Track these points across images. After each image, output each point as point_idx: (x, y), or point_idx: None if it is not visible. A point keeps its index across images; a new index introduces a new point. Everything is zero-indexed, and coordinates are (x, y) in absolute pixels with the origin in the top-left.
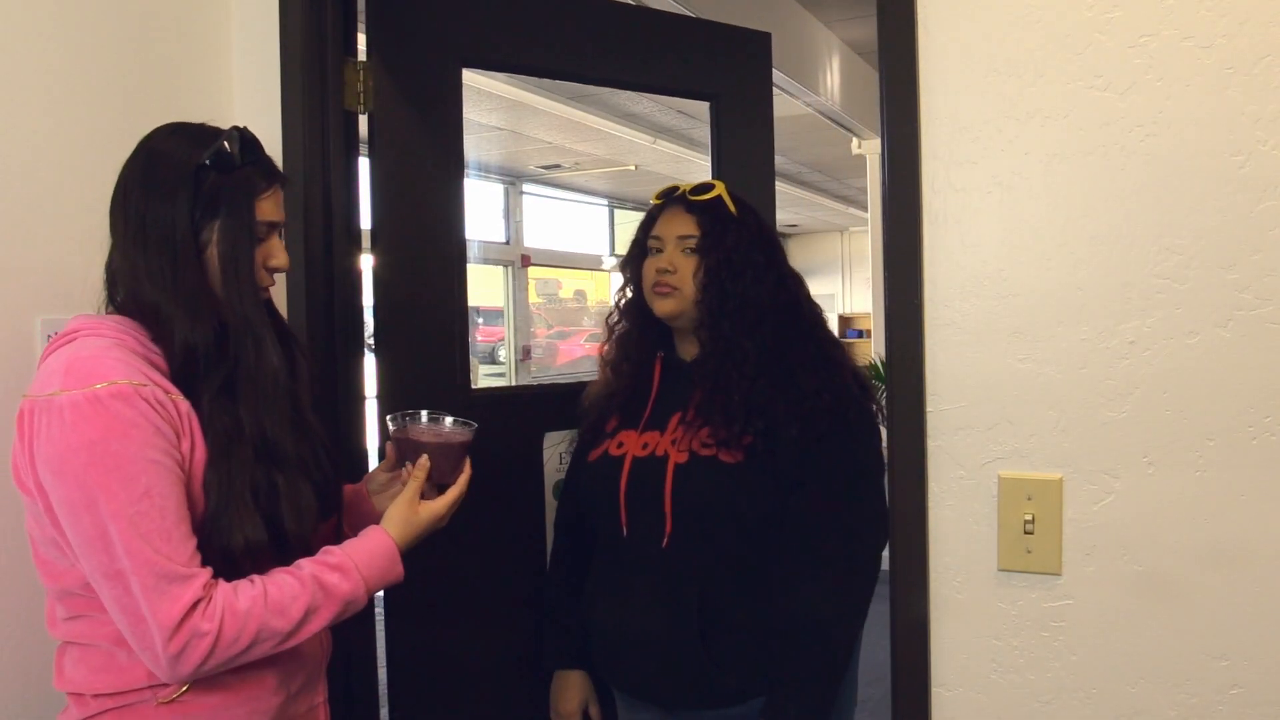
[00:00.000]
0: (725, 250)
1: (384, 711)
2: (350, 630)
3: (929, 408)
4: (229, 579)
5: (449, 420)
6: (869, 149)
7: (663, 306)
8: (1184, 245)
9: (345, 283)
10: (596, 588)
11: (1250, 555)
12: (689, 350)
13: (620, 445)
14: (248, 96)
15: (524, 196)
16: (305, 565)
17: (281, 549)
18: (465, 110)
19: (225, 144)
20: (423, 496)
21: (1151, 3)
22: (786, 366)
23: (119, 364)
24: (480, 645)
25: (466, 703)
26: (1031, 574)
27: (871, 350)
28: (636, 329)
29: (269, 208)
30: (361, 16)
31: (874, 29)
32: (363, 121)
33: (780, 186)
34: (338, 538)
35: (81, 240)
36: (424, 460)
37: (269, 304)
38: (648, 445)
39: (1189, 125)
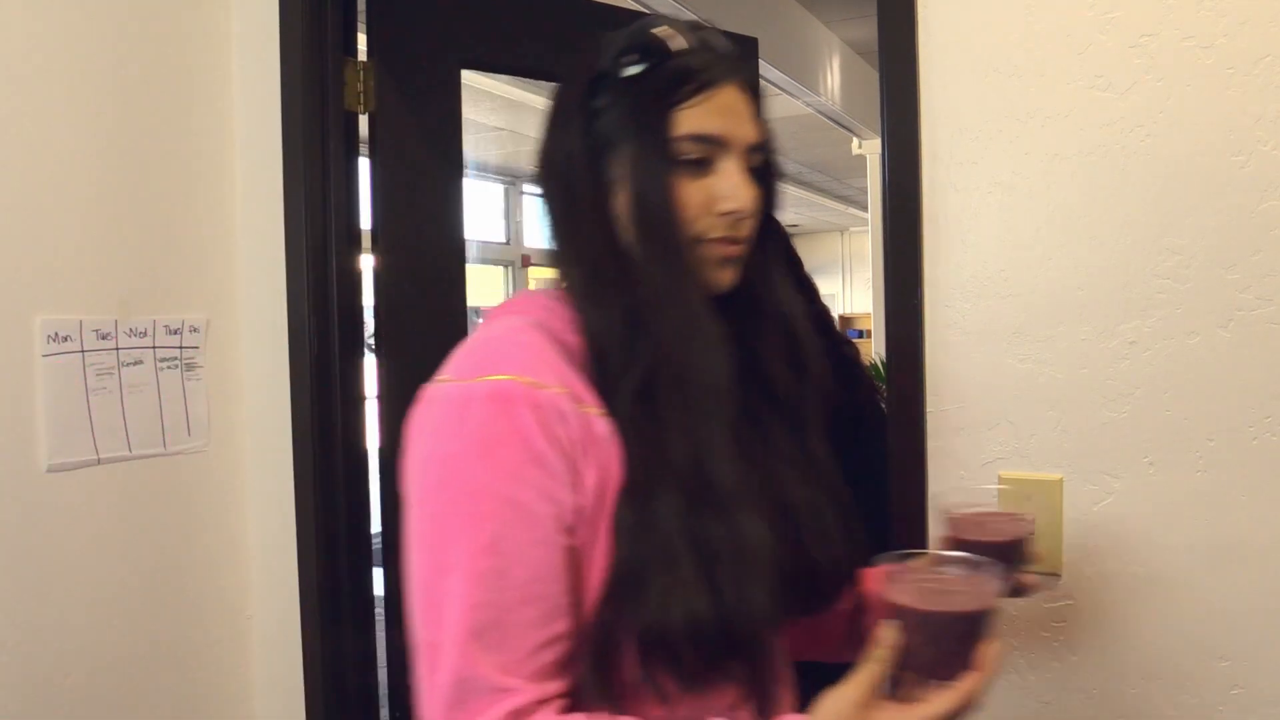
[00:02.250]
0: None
1: (384, 712)
2: (350, 630)
3: (929, 408)
4: (660, 685)
5: (956, 570)
6: (869, 149)
7: None
8: (1184, 245)
9: (345, 283)
10: None
11: (1251, 555)
12: None
13: None
14: (248, 96)
15: (524, 196)
16: None
17: (722, 640)
18: (465, 110)
19: (637, 37)
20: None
21: (1151, 3)
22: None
23: (521, 352)
24: None
25: None
26: (1032, 574)
27: (872, 350)
28: None
29: (702, 116)
30: (361, 17)
31: (874, 29)
32: (363, 121)
33: (780, 186)
34: (850, 643)
35: (81, 240)
36: (893, 637)
37: (764, 266)
38: None
39: (1189, 125)
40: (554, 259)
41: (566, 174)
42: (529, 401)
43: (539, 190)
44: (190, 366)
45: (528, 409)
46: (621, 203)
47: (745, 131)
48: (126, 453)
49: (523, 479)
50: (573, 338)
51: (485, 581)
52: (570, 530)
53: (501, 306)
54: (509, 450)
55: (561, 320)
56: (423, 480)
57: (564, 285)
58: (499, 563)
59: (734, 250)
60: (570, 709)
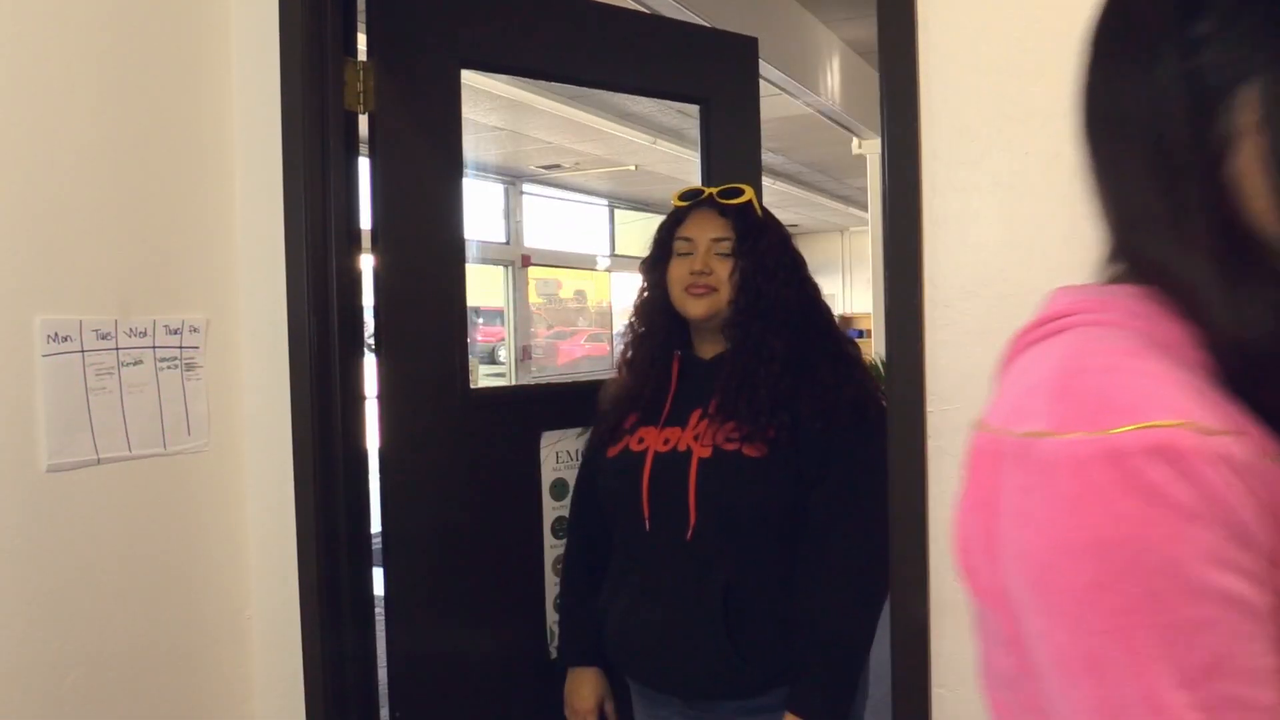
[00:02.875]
0: (759, 253)
1: (384, 712)
2: (350, 630)
3: (929, 408)
4: None
5: None
6: (869, 149)
7: (697, 308)
8: None
9: (345, 283)
10: (617, 581)
11: None
12: (709, 349)
13: (641, 441)
14: (248, 96)
15: (524, 196)
16: None
17: None
18: (465, 110)
19: None
20: None
21: None
22: (808, 363)
23: (1160, 384)
24: (479, 644)
25: (466, 702)
26: None
27: (872, 350)
28: (659, 329)
29: None
30: (361, 16)
31: (874, 29)
32: (363, 121)
33: (780, 186)
34: None
35: (81, 240)
36: None
37: None
38: (669, 441)
39: None
40: (1129, 244)
41: (1153, 130)
42: (1206, 455)
43: (1091, 154)
44: (190, 366)
45: (1208, 466)
46: (1246, 164)
47: None
48: (126, 453)
49: (1231, 565)
50: (1192, 354)
51: (1220, 718)
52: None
53: (1054, 315)
54: (1203, 528)
55: (1169, 330)
56: (1057, 573)
57: (1153, 281)
58: (1234, 689)
59: None
60: None
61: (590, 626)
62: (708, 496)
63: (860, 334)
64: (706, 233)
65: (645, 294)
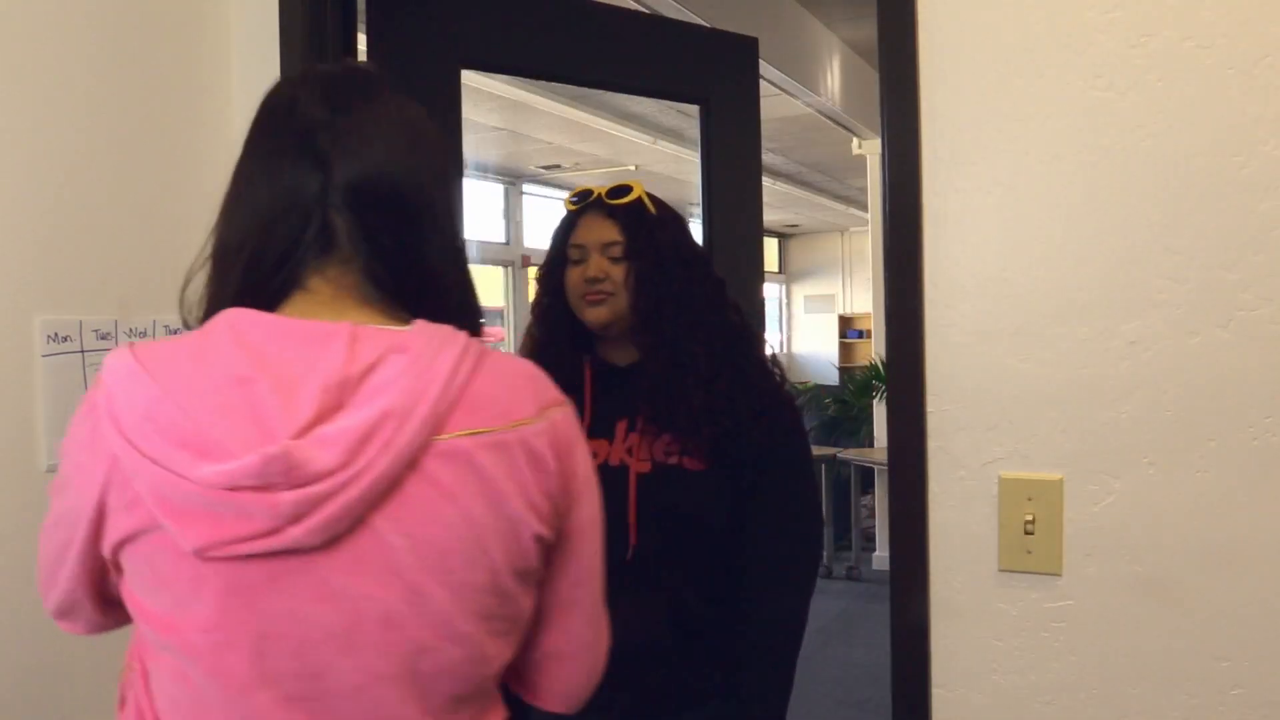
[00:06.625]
0: (653, 253)
1: None
2: None
3: (929, 408)
4: None
5: None
6: (869, 149)
7: (595, 315)
8: (1184, 245)
9: None
10: None
11: (1251, 556)
12: (621, 356)
13: None
14: (248, 96)
15: (524, 196)
16: None
17: None
18: (465, 110)
19: None
20: None
21: (1151, 3)
22: (735, 365)
23: None
24: None
25: None
26: (1032, 574)
27: (872, 350)
28: (563, 338)
29: None
30: (361, 17)
31: (874, 29)
32: None
33: (780, 186)
34: None
35: (81, 240)
36: None
37: None
38: (597, 455)
39: (1189, 125)
40: None
41: None
42: None
43: None
44: None
45: None
46: None
47: None
48: None
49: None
50: None
51: None
52: None
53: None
54: None
55: None
56: None
57: None
58: None
59: None
60: None
61: None
62: (649, 514)
63: (860, 334)
64: (596, 237)
65: (544, 301)
